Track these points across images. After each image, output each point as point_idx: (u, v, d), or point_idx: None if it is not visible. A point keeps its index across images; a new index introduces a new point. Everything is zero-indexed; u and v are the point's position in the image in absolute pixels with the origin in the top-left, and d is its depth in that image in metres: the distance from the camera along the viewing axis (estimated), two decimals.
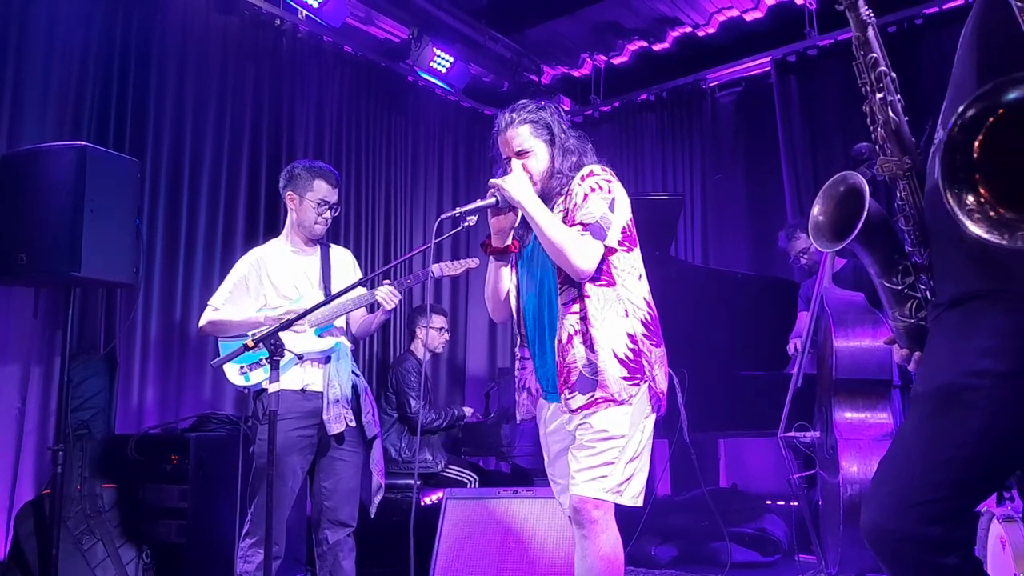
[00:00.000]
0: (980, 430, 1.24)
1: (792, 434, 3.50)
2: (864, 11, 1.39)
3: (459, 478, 4.25)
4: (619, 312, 2.10)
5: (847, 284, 3.77)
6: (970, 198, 1.11)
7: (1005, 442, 1.25)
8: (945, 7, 4.82)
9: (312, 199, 2.98)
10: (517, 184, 2.12)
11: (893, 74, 1.40)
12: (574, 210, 2.13)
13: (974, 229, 1.09)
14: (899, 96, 1.40)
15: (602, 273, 2.11)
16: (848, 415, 3.22)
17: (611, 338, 2.07)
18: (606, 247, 2.10)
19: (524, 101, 2.28)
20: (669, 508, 4.70)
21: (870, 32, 1.40)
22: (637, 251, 2.21)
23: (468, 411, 4.61)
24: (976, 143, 1.11)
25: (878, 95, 1.40)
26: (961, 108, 1.11)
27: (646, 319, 2.14)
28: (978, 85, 1.27)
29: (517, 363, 2.35)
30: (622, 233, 2.16)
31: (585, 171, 2.18)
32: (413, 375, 4.32)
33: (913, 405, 1.36)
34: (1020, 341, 1.23)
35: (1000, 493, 2.42)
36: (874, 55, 1.40)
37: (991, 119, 1.10)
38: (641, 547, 4.09)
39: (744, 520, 4.43)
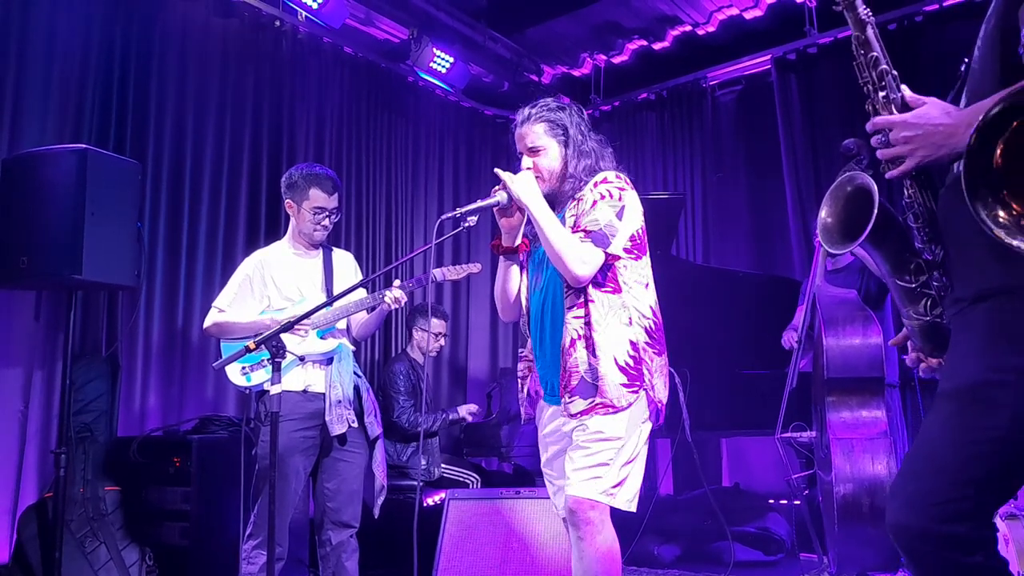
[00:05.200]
0: (1009, 427, 1.23)
1: (789, 434, 3.50)
2: (862, 10, 1.39)
3: (461, 479, 4.24)
4: (623, 319, 2.09)
5: (854, 276, 3.76)
6: (1001, 213, 1.09)
7: None
8: (945, 4, 4.81)
9: (308, 207, 2.97)
10: (523, 183, 2.12)
11: (895, 71, 1.40)
12: (582, 216, 2.13)
13: (1010, 242, 1.08)
14: (901, 93, 1.39)
15: (607, 280, 2.11)
16: (841, 414, 3.22)
17: (613, 344, 2.06)
18: (610, 255, 2.09)
19: (546, 99, 2.28)
20: (672, 508, 4.69)
21: (869, 31, 1.40)
22: (646, 259, 2.20)
23: (465, 411, 4.41)
24: (998, 149, 1.10)
25: (881, 93, 1.40)
26: (985, 111, 1.09)
27: (650, 328, 2.14)
28: (1002, 83, 1.26)
29: (520, 364, 2.35)
30: (630, 241, 2.14)
31: (599, 177, 2.17)
32: (401, 378, 4.24)
33: (938, 401, 1.34)
34: None
35: None
36: (875, 54, 1.40)
37: (1015, 123, 1.08)
38: (644, 547, 4.08)
39: (747, 519, 4.43)
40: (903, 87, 1.40)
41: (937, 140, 1.31)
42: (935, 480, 1.28)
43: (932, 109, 1.33)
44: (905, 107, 1.38)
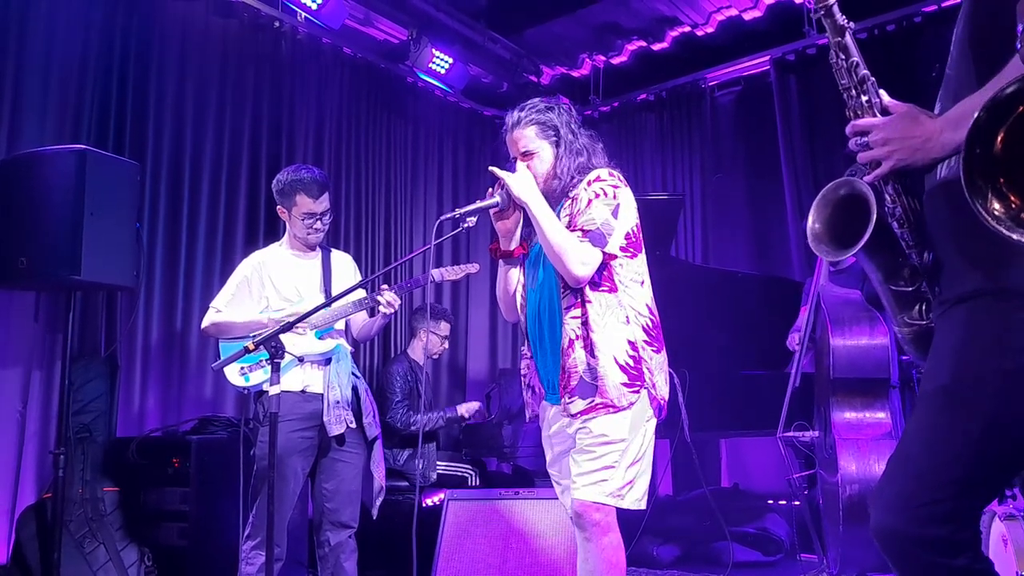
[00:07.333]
0: (986, 428, 1.23)
1: (791, 434, 3.49)
2: (839, 17, 1.39)
3: (460, 474, 4.23)
4: (620, 319, 2.09)
5: (855, 279, 3.75)
6: (998, 206, 1.08)
7: (1011, 440, 1.25)
8: (944, 5, 4.82)
9: (297, 214, 2.95)
10: (522, 182, 2.12)
11: (872, 77, 1.40)
12: (577, 215, 2.13)
13: (1010, 236, 1.07)
14: (880, 99, 1.40)
15: (603, 279, 2.11)
16: (846, 414, 3.22)
17: (612, 344, 2.06)
18: (606, 254, 2.09)
19: (534, 100, 2.26)
20: (671, 508, 4.70)
21: (848, 37, 1.40)
22: (642, 257, 2.19)
23: (464, 409, 4.35)
24: (1000, 136, 1.08)
25: (864, 97, 1.40)
26: (990, 97, 1.07)
27: (647, 326, 2.14)
28: (978, 84, 1.27)
29: (522, 362, 2.35)
30: (626, 239, 2.14)
31: (592, 176, 2.17)
32: (398, 378, 4.22)
33: (919, 403, 1.35)
34: None
35: (1002, 491, 2.41)
36: (855, 59, 1.40)
37: (1022, 107, 1.06)
38: (643, 547, 4.08)
39: (746, 520, 4.43)
40: (882, 92, 1.40)
41: (914, 144, 1.31)
42: (915, 482, 1.28)
43: (910, 114, 1.33)
44: (885, 112, 1.38)
